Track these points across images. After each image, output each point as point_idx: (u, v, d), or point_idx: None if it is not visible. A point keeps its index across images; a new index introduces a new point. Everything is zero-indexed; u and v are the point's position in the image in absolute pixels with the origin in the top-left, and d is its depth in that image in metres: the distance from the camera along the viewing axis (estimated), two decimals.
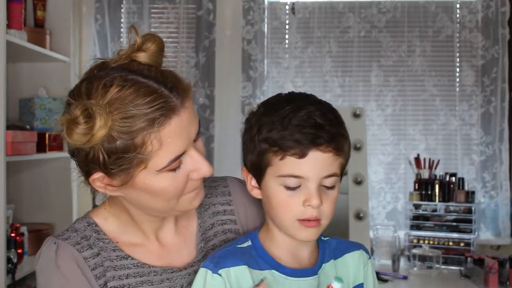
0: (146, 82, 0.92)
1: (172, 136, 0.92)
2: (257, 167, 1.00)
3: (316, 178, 0.95)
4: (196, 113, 0.99)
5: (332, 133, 0.95)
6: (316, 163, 0.95)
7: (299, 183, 0.96)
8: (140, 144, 0.90)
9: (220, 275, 0.98)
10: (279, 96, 1.04)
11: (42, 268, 1.00)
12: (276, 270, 1.00)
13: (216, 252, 1.03)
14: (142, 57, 0.95)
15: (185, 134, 0.94)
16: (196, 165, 0.97)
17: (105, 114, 0.88)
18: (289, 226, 0.98)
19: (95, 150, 0.91)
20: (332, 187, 0.98)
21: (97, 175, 0.95)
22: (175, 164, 0.94)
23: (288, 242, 1.02)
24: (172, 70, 0.97)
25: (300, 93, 1.03)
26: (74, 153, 0.96)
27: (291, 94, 1.03)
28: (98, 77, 0.93)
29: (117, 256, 1.02)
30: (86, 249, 1.00)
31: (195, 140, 0.98)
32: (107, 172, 0.94)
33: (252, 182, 1.03)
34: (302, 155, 0.94)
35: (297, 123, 0.94)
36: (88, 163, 0.94)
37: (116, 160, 0.91)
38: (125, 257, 1.03)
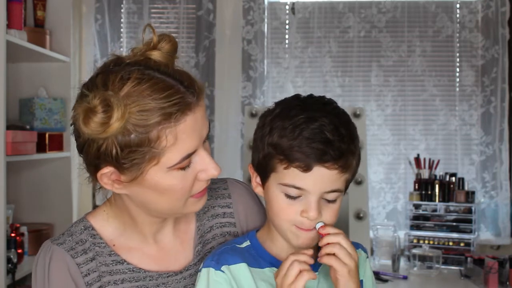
0: (163, 78, 0.92)
1: (186, 132, 0.92)
2: (262, 169, 1.01)
3: (318, 192, 0.96)
4: (207, 115, 0.99)
5: (341, 150, 0.94)
6: (319, 179, 0.95)
7: (300, 194, 0.96)
8: (155, 139, 0.90)
9: (223, 271, 0.99)
10: (297, 99, 1.02)
11: (37, 275, 1.01)
12: (277, 268, 1.00)
13: (215, 251, 1.04)
14: (156, 55, 0.96)
15: (198, 132, 0.95)
16: (204, 165, 0.97)
17: (123, 106, 0.88)
18: (286, 230, 0.99)
19: (109, 142, 0.91)
20: (333, 201, 0.98)
21: (107, 170, 0.94)
22: (185, 163, 0.94)
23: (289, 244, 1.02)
24: (186, 71, 0.98)
25: (318, 99, 1.01)
26: (85, 146, 0.94)
27: (309, 99, 1.01)
28: (114, 71, 0.93)
29: (112, 261, 1.02)
30: (81, 255, 1.01)
31: (204, 141, 0.98)
32: (119, 167, 0.93)
33: (257, 179, 1.04)
34: (306, 169, 0.94)
35: (307, 135, 0.94)
36: (99, 156, 0.93)
37: (129, 154, 0.91)
38: (121, 261, 1.03)
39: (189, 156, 0.94)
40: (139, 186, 0.96)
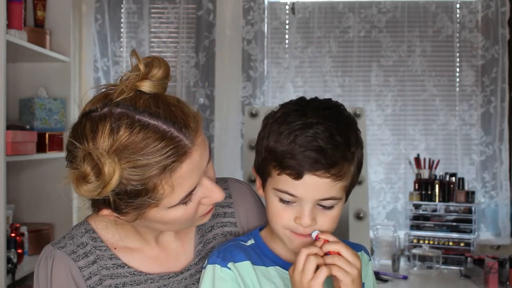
0: (155, 124, 0.87)
1: (183, 177, 0.90)
2: (260, 172, 1.01)
3: (311, 200, 0.95)
4: (206, 140, 0.95)
5: (334, 159, 0.92)
6: (311, 187, 0.94)
7: (294, 200, 0.96)
8: (152, 189, 0.89)
9: (229, 268, 0.99)
10: (299, 102, 1.00)
11: (40, 280, 1.01)
12: (281, 267, 1.01)
13: (219, 247, 1.04)
14: (146, 86, 0.90)
15: (196, 171, 0.92)
16: (207, 193, 0.96)
17: (114, 164, 0.85)
18: (281, 234, 0.99)
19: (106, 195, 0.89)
20: (330, 207, 0.97)
21: (107, 212, 0.94)
22: (187, 199, 0.93)
23: None
24: (179, 99, 0.93)
25: (320, 104, 0.99)
26: None
27: (311, 104, 0.99)
28: (102, 116, 0.88)
29: (113, 265, 1.03)
30: (82, 258, 1.01)
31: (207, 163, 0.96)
32: (118, 212, 0.93)
33: (259, 181, 1.04)
34: (297, 176, 0.93)
35: (301, 142, 0.92)
36: (98, 202, 0.93)
37: (127, 202, 0.90)
38: (122, 265, 1.03)
39: (190, 194, 0.93)
40: (142, 220, 0.96)
